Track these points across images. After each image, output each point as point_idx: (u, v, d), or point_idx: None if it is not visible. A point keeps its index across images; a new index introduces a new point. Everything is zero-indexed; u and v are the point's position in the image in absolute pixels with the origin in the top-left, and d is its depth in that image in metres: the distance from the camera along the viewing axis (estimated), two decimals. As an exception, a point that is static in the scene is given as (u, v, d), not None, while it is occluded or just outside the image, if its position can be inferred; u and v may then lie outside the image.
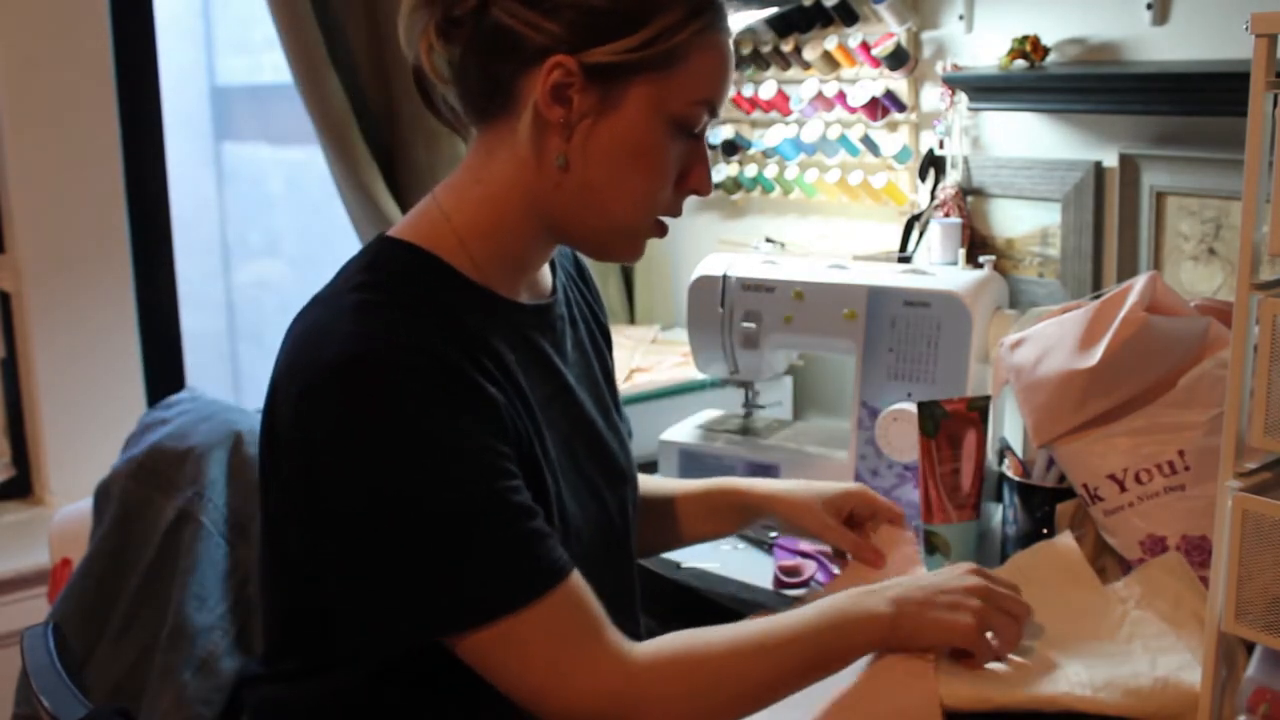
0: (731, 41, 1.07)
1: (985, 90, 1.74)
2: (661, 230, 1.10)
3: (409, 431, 0.95)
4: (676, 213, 1.10)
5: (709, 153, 1.10)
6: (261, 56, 2.62)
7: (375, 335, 0.97)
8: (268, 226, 2.81)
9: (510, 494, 0.98)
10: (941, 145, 1.84)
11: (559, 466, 1.10)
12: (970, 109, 1.79)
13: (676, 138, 1.05)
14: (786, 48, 1.99)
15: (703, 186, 1.09)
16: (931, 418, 1.39)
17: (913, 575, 1.20)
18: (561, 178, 1.04)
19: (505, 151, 1.05)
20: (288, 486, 1.02)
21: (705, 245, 2.19)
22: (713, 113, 1.06)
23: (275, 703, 1.13)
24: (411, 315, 1.00)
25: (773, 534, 1.54)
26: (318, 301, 1.04)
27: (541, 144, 1.03)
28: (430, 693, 1.06)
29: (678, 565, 1.50)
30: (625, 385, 1.89)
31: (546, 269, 1.18)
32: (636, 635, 1.20)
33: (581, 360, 1.21)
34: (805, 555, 1.48)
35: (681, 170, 1.07)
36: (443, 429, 0.96)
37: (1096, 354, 1.27)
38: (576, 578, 0.99)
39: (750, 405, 1.79)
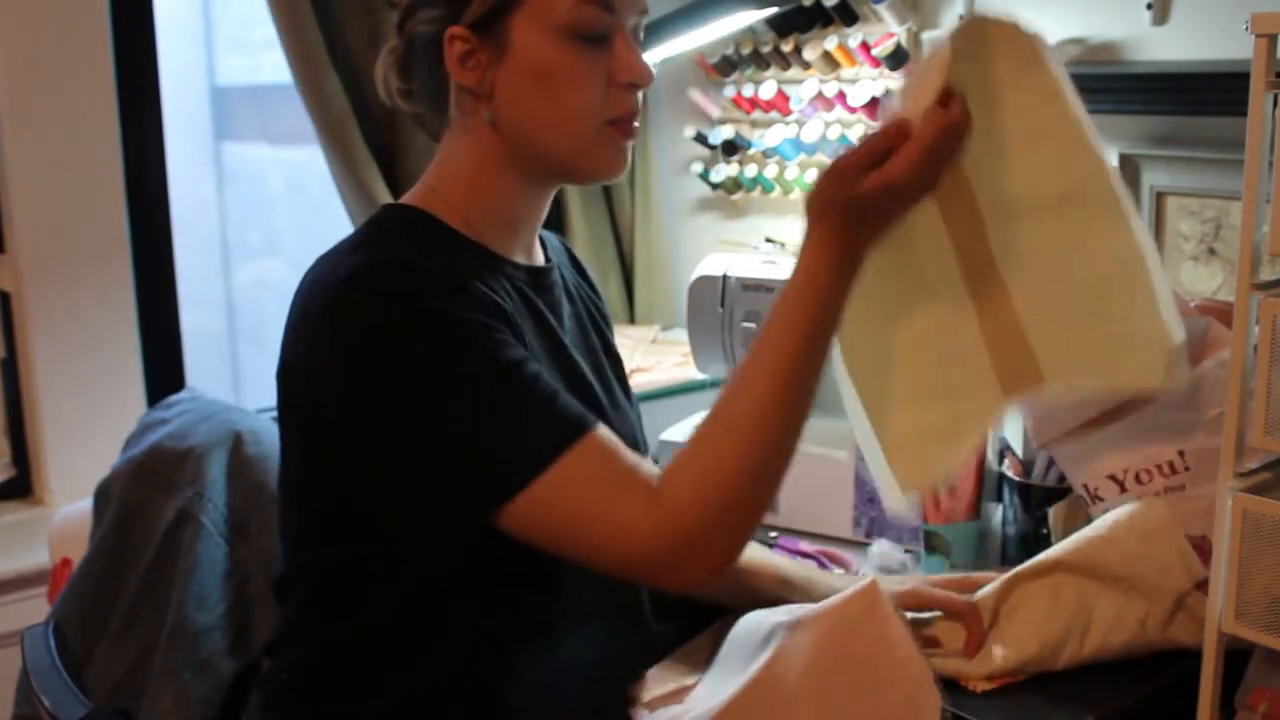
0: None
1: (985, 90, 1.74)
2: (625, 132, 1.12)
3: (423, 315, 0.99)
4: (627, 110, 1.11)
5: (635, 48, 1.11)
6: (261, 56, 2.62)
7: (384, 257, 1.03)
8: (268, 226, 2.81)
9: (525, 362, 1.01)
10: (941, 145, 1.83)
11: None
12: (970, 109, 1.79)
13: (582, 47, 1.07)
14: (786, 48, 1.99)
15: (634, 75, 1.09)
16: (931, 418, 1.39)
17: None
18: (499, 136, 1.10)
19: (455, 130, 1.13)
20: (312, 424, 1.05)
21: (705, 245, 2.19)
22: (606, 7, 1.08)
23: (289, 689, 1.13)
24: (408, 243, 1.06)
25: (773, 534, 1.53)
26: (322, 259, 1.09)
27: (470, 111, 1.10)
28: (446, 680, 1.07)
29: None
30: (625, 385, 1.89)
31: (538, 246, 1.22)
32: (639, 611, 1.22)
33: (579, 331, 1.23)
34: (805, 555, 1.48)
35: (607, 73, 1.09)
36: (453, 310, 1.00)
37: (1096, 354, 1.27)
38: (602, 429, 1.01)
39: (750, 405, 1.78)
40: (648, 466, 1.00)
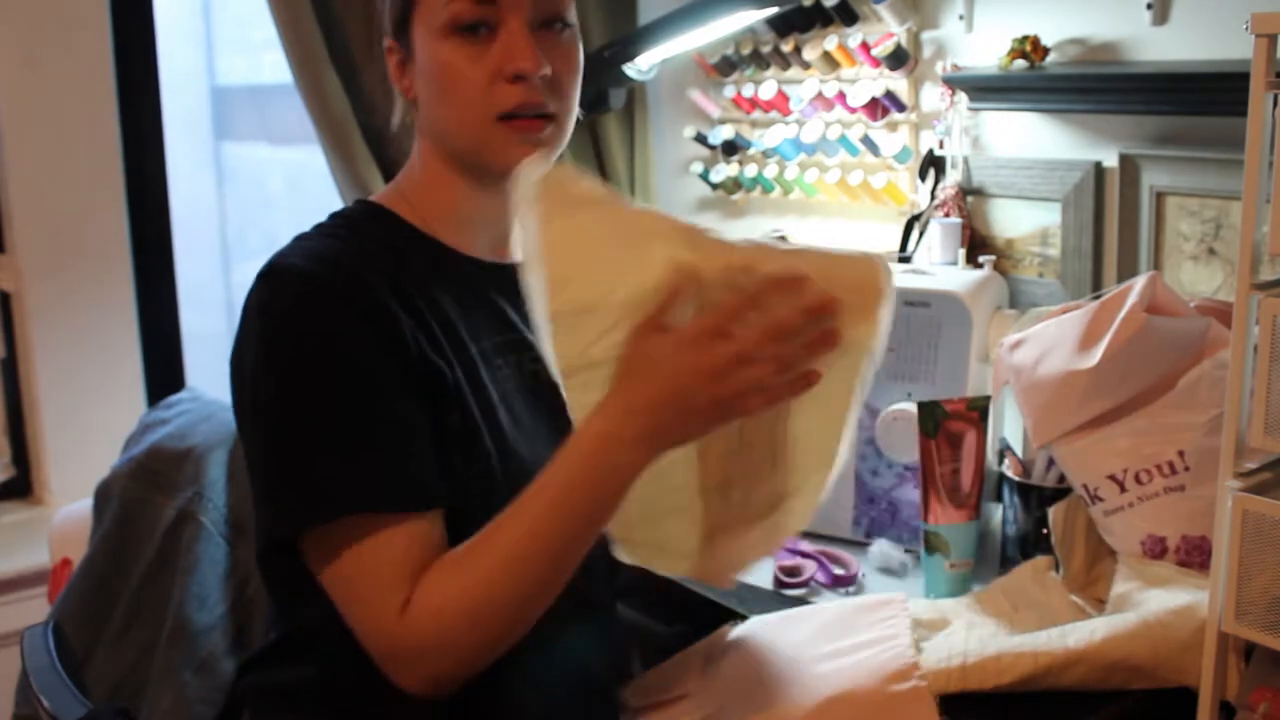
0: None
1: (985, 90, 1.74)
2: (522, 127, 1.11)
3: (299, 331, 1.04)
4: (515, 101, 1.10)
5: (525, 39, 1.10)
6: (261, 56, 2.62)
7: (297, 253, 1.09)
8: (268, 226, 2.81)
9: (385, 413, 1.04)
10: (941, 145, 1.84)
11: (505, 415, 1.13)
12: (970, 109, 1.79)
13: (462, 42, 1.10)
14: (786, 48, 1.98)
15: (514, 64, 1.09)
16: (931, 418, 1.39)
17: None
18: (423, 133, 1.17)
19: (415, 136, 1.20)
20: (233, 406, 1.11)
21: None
22: (479, 1, 1.09)
23: (272, 688, 1.13)
24: (341, 244, 1.11)
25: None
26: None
27: (411, 110, 1.19)
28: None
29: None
30: (625, 385, 1.89)
31: (514, 243, 1.21)
32: (609, 602, 1.24)
33: None
34: (805, 555, 1.48)
35: (491, 67, 1.10)
36: (333, 333, 1.04)
37: (1096, 354, 1.27)
38: (423, 517, 1.03)
39: (750, 405, 1.78)
40: (417, 580, 1.01)
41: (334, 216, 1.18)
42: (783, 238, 1.97)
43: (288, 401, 1.03)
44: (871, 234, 1.99)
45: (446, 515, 1.06)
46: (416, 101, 1.16)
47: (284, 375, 1.04)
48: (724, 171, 2.14)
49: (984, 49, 1.77)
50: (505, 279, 1.17)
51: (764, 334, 0.95)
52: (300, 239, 1.13)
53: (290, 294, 1.05)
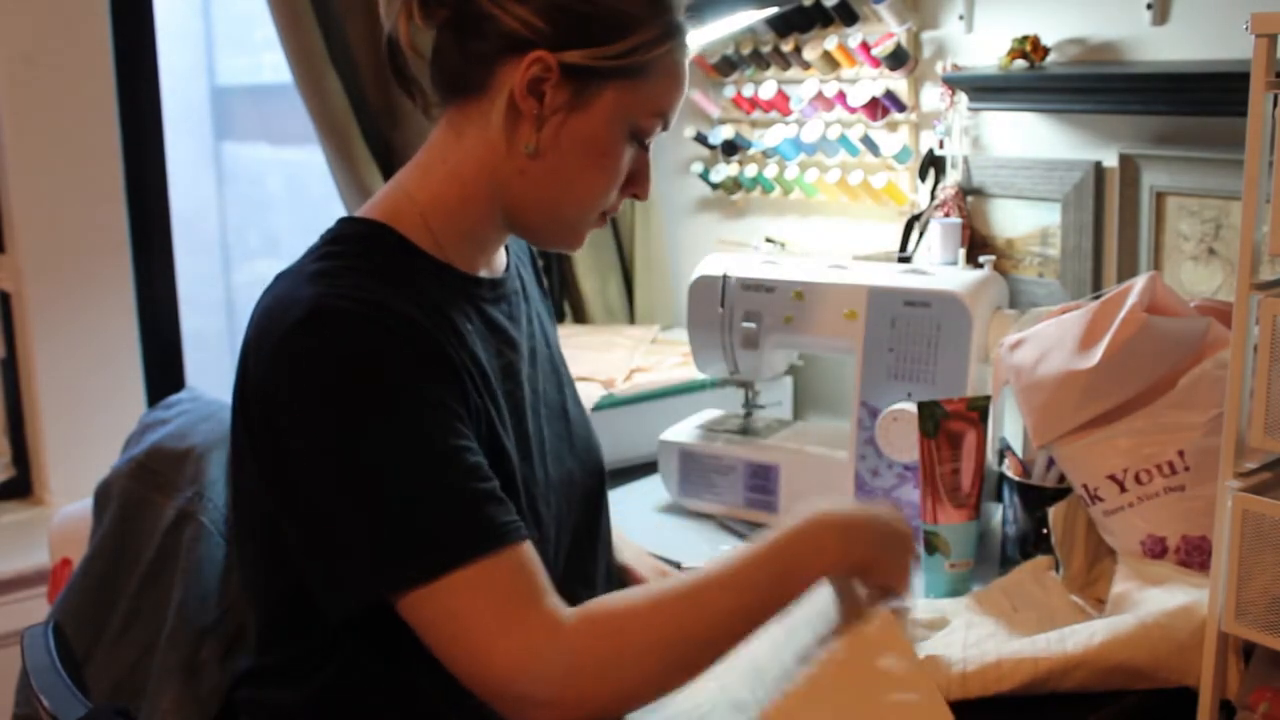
0: (687, 62, 1.14)
1: (985, 90, 1.74)
2: (601, 224, 1.17)
3: (370, 381, 0.98)
4: (615, 211, 1.17)
5: (649, 160, 1.16)
6: (261, 56, 2.62)
7: (341, 294, 1.00)
8: (267, 226, 2.81)
9: (464, 453, 0.99)
10: (941, 145, 1.84)
11: (517, 434, 1.13)
12: (970, 109, 1.79)
13: (631, 144, 1.12)
14: (786, 48, 1.99)
15: (644, 192, 1.16)
16: (931, 418, 1.39)
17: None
18: (527, 164, 1.09)
19: (475, 133, 1.10)
20: (260, 452, 1.04)
21: (705, 245, 2.19)
22: (665, 125, 1.14)
23: (266, 706, 1.13)
24: (374, 279, 1.03)
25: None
26: (281, 277, 1.08)
27: (513, 131, 1.08)
28: (412, 699, 1.07)
29: (678, 565, 1.50)
30: (625, 385, 1.89)
31: (503, 250, 1.23)
32: (594, 581, 1.25)
33: (535, 335, 1.25)
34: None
35: (629, 175, 1.14)
36: (403, 382, 0.98)
37: (1096, 354, 1.27)
38: (525, 547, 0.99)
39: (750, 405, 1.79)
40: (552, 597, 0.99)
41: (339, 240, 1.09)
42: (784, 245, 1.97)
43: (378, 453, 0.97)
44: (871, 234, 1.99)
45: None
46: (531, 140, 1.07)
47: (367, 426, 0.97)
48: (724, 171, 2.14)
49: (984, 49, 1.77)
50: (502, 293, 1.18)
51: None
52: (322, 275, 1.03)
53: (351, 341, 0.98)
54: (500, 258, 1.22)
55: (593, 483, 1.27)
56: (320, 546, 1.00)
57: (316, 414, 0.98)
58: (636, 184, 1.15)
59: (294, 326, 0.99)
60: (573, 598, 1.01)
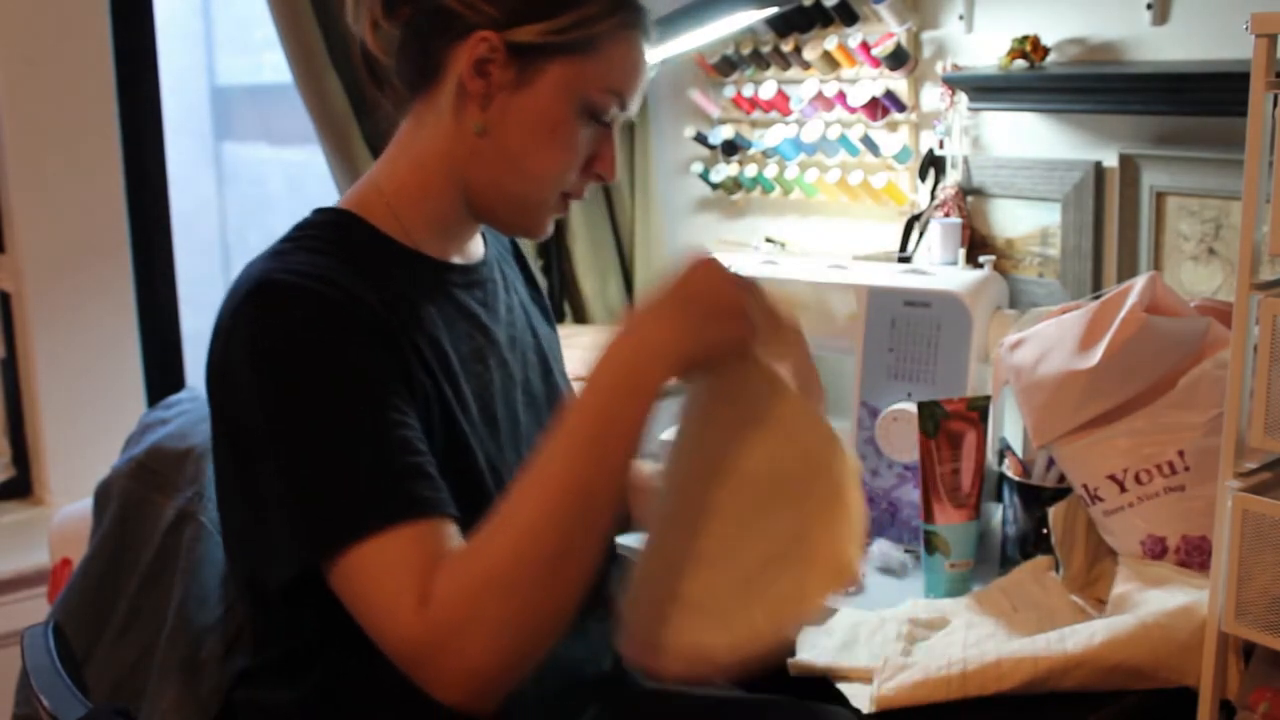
0: (646, 45, 1.14)
1: (985, 90, 1.74)
2: (564, 209, 1.17)
3: (299, 351, 0.99)
4: (579, 195, 1.17)
5: (615, 142, 1.15)
6: (261, 56, 2.62)
7: (288, 269, 1.03)
8: (268, 226, 2.81)
9: (391, 427, 0.99)
10: (941, 145, 1.84)
11: (485, 416, 1.13)
12: (970, 109, 1.79)
13: (586, 122, 1.11)
14: (786, 48, 1.99)
15: (607, 173, 1.15)
16: (931, 418, 1.39)
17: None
18: (479, 144, 1.10)
19: (433, 121, 1.12)
20: (217, 431, 1.07)
21: (705, 245, 2.19)
22: (622, 105, 1.13)
23: (262, 706, 1.13)
24: (330, 258, 1.06)
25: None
26: (251, 262, 1.10)
27: (462, 112, 1.10)
28: (404, 699, 1.07)
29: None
30: (625, 385, 1.88)
31: (479, 238, 1.24)
32: (603, 597, 1.19)
33: (517, 325, 1.25)
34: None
35: (589, 155, 1.14)
36: (334, 354, 1.00)
37: (1096, 354, 1.27)
38: (437, 523, 0.97)
39: (750, 405, 1.78)
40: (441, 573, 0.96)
41: (305, 226, 1.12)
42: (784, 245, 1.97)
43: (304, 422, 0.98)
44: (871, 234, 1.99)
45: None
46: (483, 107, 1.08)
47: (295, 395, 0.98)
48: (724, 171, 2.14)
49: (984, 49, 1.77)
50: (475, 279, 1.19)
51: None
52: (278, 254, 1.07)
53: (289, 311, 1.00)
54: (476, 246, 1.23)
55: None
56: (254, 515, 1.02)
57: (247, 382, 1.00)
58: (599, 164, 1.14)
59: (239, 300, 1.02)
60: None
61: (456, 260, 1.18)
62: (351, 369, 1.00)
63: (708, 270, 1.01)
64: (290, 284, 1.01)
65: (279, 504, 0.98)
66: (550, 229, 1.18)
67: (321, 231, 1.10)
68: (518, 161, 1.11)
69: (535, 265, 2.28)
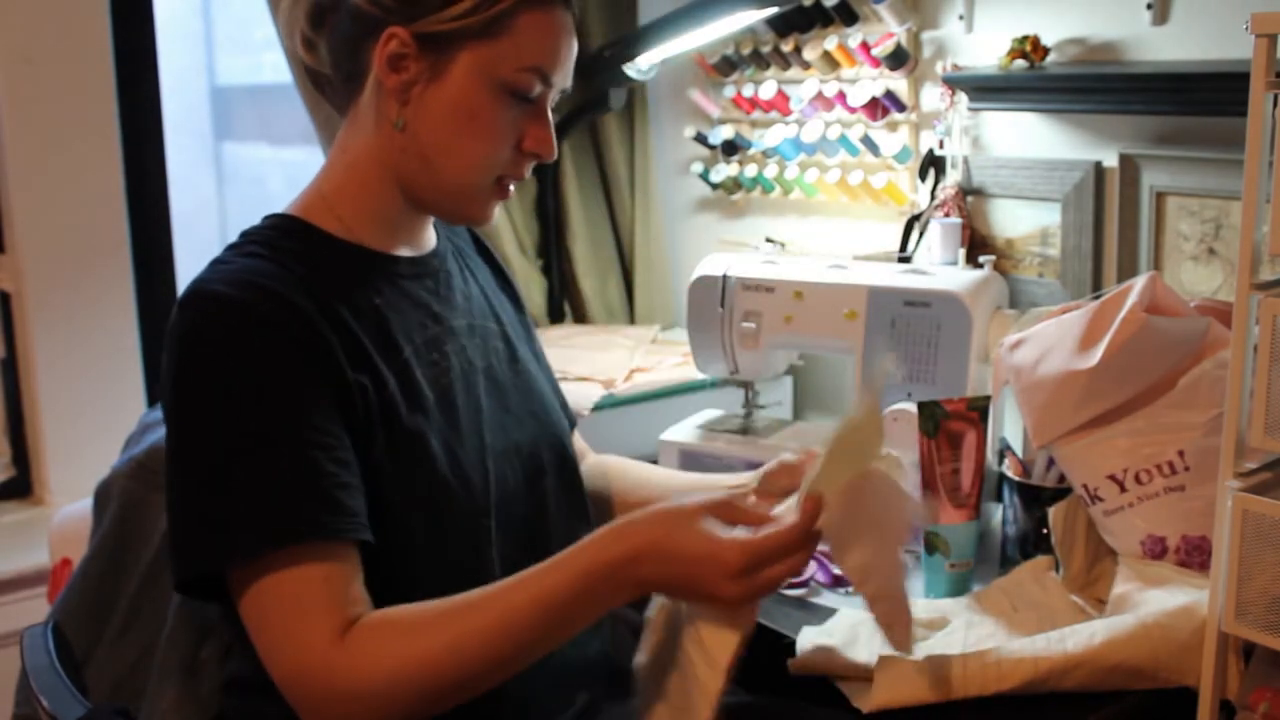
0: (569, 17, 1.13)
1: (985, 90, 1.74)
2: (503, 192, 1.17)
3: (219, 360, 1.02)
4: (519, 175, 1.17)
5: (550, 123, 1.15)
6: (261, 56, 2.62)
7: (221, 277, 1.05)
8: (268, 226, 2.81)
9: (303, 446, 1.01)
10: (941, 145, 1.84)
11: (442, 404, 1.14)
12: (970, 109, 1.79)
13: (509, 103, 1.11)
14: (786, 48, 1.99)
15: (542, 149, 1.15)
16: (931, 418, 1.39)
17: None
18: (403, 141, 1.11)
19: (361, 121, 1.14)
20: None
21: (705, 245, 2.19)
22: (545, 81, 1.13)
23: (249, 715, 1.14)
24: (261, 261, 1.07)
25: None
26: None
27: (382, 109, 1.11)
28: None
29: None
30: (625, 385, 1.89)
31: (430, 230, 1.24)
32: None
33: (475, 312, 1.25)
34: (805, 555, 1.48)
35: (520, 134, 1.14)
36: (254, 360, 1.01)
37: (1096, 354, 1.27)
38: (335, 547, 1.00)
39: (750, 405, 1.79)
40: (356, 608, 1.00)
41: (248, 234, 1.14)
42: (784, 245, 1.97)
43: (207, 434, 1.00)
44: (871, 234, 1.99)
45: (402, 518, 1.07)
46: (402, 103, 1.10)
47: (203, 407, 1.01)
48: (724, 171, 2.14)
49: (984, 49, 1.77)
50: (426, 270, 1.20)
51: (785, 573, 1.01)
52: (218, 262, 1.09)
53: (210, 321, 1.02)
54: (427, 238, 1.23)
55: (547, 454, 1.26)
56: (171, 526, 1.04)
57: (169, 391, 1.03)
58: (529, 142, 1.14)
59: (177, 306, 1.05)
60: (518, 567, 1.03)
61: (404, 253, 1.19)
62: (266, 387, 1.01)
63: (724, 570, 0.99)
64: (219, 295, 1.03)
65: (171, 513, 1.02)
66: (491, 214, 1.18)
67: (265, 236, 1.12)
68: (441, 151, 1.11)
69: (535, 265, 2.29)
